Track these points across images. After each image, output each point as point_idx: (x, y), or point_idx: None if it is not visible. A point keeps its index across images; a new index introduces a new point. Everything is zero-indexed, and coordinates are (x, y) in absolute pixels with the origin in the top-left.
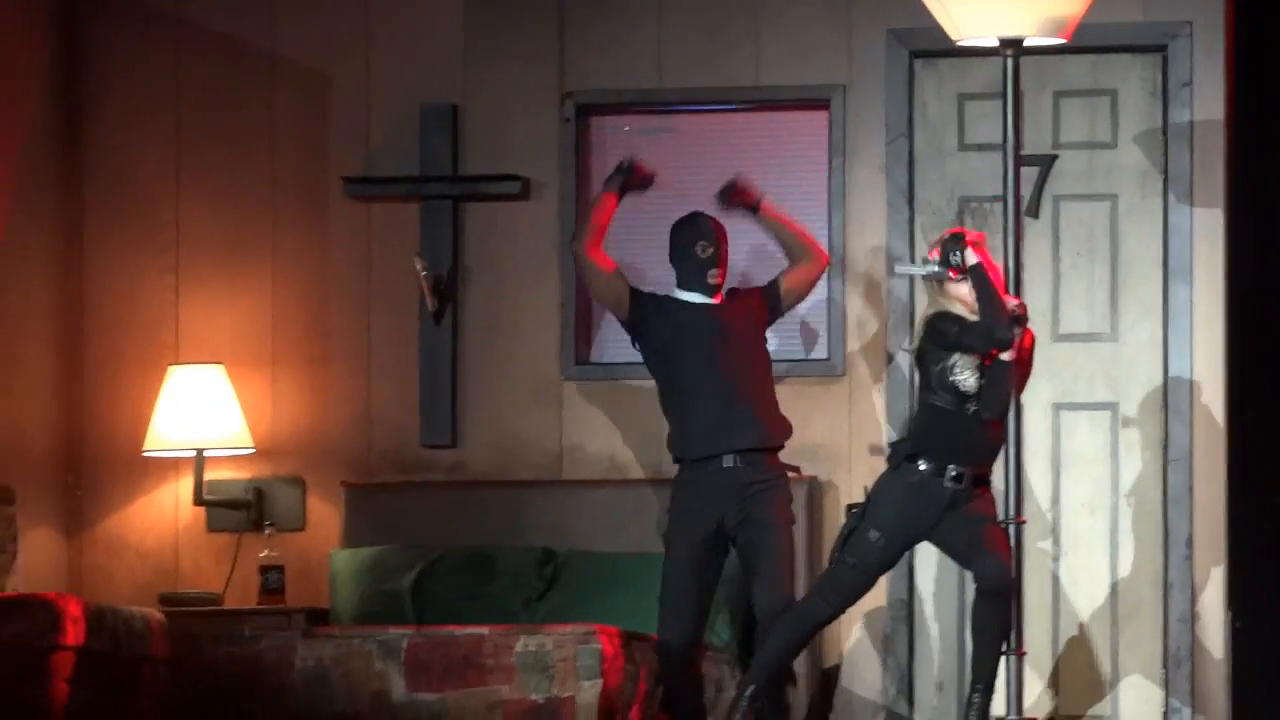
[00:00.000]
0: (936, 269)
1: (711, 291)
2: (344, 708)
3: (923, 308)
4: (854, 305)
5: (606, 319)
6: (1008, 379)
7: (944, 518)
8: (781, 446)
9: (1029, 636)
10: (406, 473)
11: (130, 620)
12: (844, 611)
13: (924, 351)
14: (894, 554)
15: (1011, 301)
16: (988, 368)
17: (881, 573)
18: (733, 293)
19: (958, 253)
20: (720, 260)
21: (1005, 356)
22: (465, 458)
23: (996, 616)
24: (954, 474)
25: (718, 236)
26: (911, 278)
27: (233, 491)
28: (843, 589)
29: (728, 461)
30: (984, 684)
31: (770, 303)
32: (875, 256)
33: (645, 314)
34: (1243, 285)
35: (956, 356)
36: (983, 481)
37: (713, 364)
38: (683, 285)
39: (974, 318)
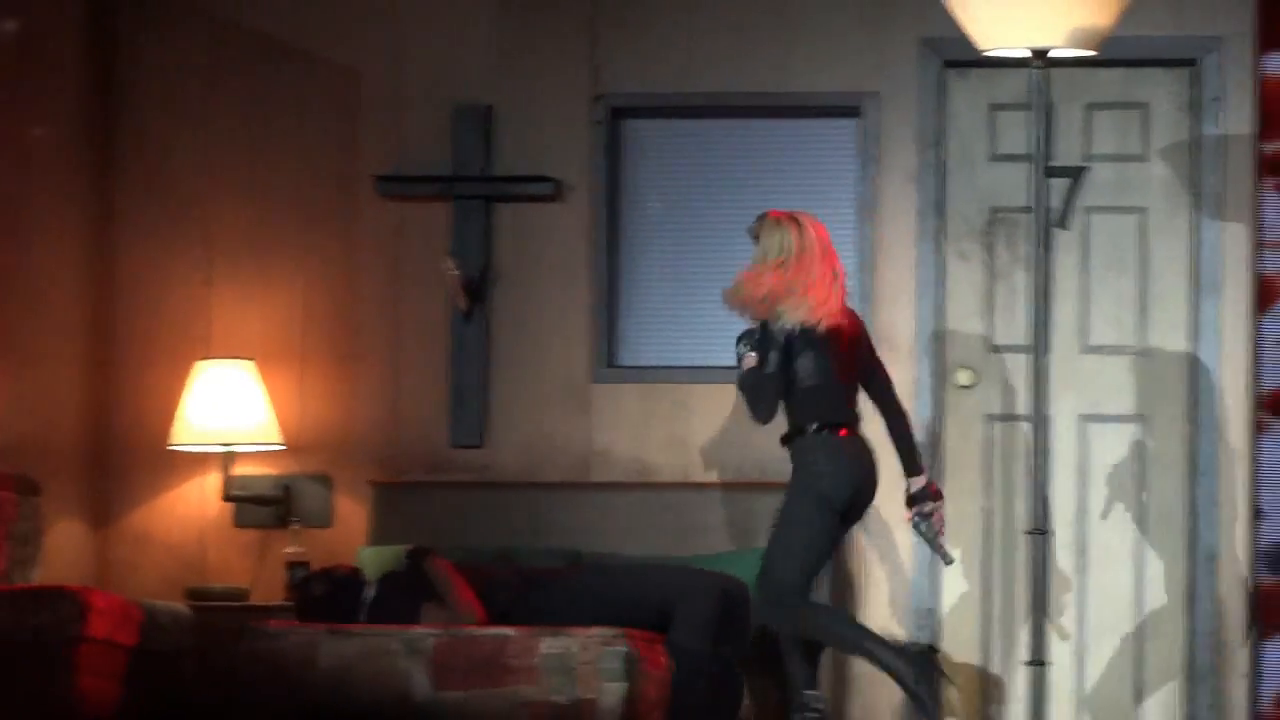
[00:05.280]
0: None
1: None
2: (368, 705)
3: (952, 318)
4: (880, 315)
5: (636, 321)
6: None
7: None
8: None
9: (1052, 648)
10: (435, 472)
11: (155, 614)
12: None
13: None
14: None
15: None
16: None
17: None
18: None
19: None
20: None
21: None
22: (494, 458)
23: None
24: None
25: None
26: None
27: (261, 488)
28: None
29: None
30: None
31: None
32: (904, 266)
33: None
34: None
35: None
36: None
37: None
38: None
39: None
